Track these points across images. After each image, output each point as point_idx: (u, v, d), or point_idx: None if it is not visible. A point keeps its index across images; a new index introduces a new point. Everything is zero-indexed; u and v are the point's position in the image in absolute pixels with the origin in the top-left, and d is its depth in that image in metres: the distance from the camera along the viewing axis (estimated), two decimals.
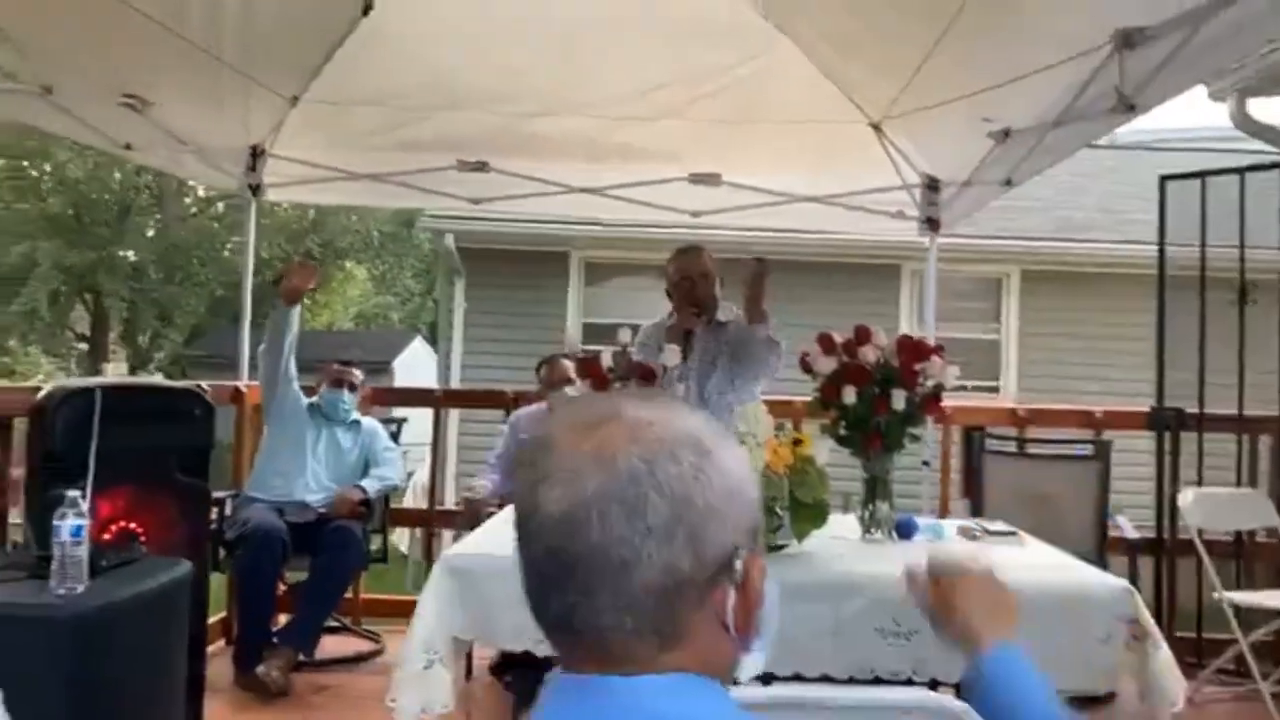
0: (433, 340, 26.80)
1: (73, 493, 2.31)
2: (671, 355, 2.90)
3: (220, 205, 21.10)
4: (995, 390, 9.52)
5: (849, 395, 3.00)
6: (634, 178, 4.68)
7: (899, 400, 2.99)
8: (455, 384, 9.39)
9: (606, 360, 2.99)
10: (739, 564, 0.79)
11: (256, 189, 4.80)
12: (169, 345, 19.84)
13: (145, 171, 18.43)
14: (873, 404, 3.01)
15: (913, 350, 3.02)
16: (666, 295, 3.67)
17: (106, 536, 2.91)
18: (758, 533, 0.85)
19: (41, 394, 2.89)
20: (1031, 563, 2.86)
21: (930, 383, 3.06)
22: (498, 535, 2.94)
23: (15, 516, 3.24)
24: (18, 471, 3.16)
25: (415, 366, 21.80)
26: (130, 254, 19.74)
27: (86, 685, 2.26)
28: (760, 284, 3.31)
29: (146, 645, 2.50)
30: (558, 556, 0.77)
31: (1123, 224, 9.77)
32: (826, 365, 3.10)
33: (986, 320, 9.83)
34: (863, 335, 3.12)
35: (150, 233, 20.33)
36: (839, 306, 8.00)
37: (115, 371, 19.23)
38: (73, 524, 2.26)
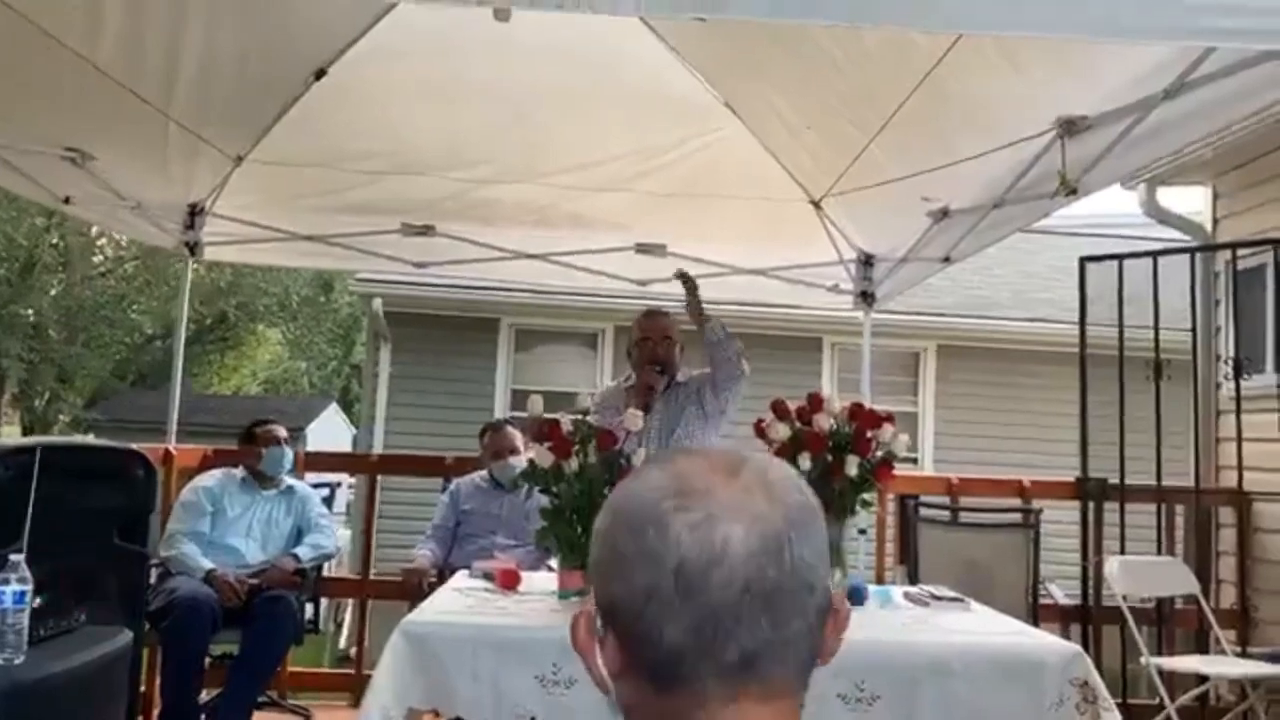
0: (346, 406, 26.27)
1: (16, 556, 2.20)
2: (634, 420, 2.92)
3: (129, 266, 20.52)
4: (914, 461, 9.75)
5: (804, 462, 3.05)
6: (582, 245, 4.74)
7: (853, 467, 3.06)
8: (379, 451, 9.19)
9: (567, 425, 2.99)
10: (834, 597, 0.84)
11: (194, 248, 4.71)
12: (68, 408, 18.99)
13: (53, 229, 17.85)
14: (827, 471, 3.07)
15: (866, 418, 3.10)
16: (626, 355, 3.77)
17: (37, 603, 2.76)
18: None
19: None
20: (980, 628, 2.93)
21: (882, 450, 3.15)
22: (453, 602, 2.90)
23: None
24: None
25: (329, 433, 21.31)
26: (30, 312, 18.97)
27: None
28: (694, 293, 3.60)
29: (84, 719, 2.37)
30: (754, 588, 0.76)
31: (1031, 303, 10.25)
32: (781, 431, 3.16)
33: (904, 393, 10.11)
34: (816, 402, 3.19)
35: (53, 291, 19.58)
36: (762, 377, 8.14)
37: (8, 434, 18.29)
38: (15, 590, 2.16)
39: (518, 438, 4.37)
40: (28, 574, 2.17)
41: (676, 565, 0.76)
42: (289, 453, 4.31)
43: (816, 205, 4.56)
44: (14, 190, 3.88)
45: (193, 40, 3.36)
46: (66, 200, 3.82)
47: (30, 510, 2.60)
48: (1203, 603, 4.51)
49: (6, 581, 2.14)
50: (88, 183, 3.82)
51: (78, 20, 2.95)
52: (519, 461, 4.24)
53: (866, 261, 4.83)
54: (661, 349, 3.64)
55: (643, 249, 4.76)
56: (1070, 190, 2.72)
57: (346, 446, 20.89)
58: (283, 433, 4.36)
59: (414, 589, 4.04)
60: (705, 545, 0.76)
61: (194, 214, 4.63)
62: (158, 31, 3.24)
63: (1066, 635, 4.49)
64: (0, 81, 3.08)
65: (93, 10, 2.95)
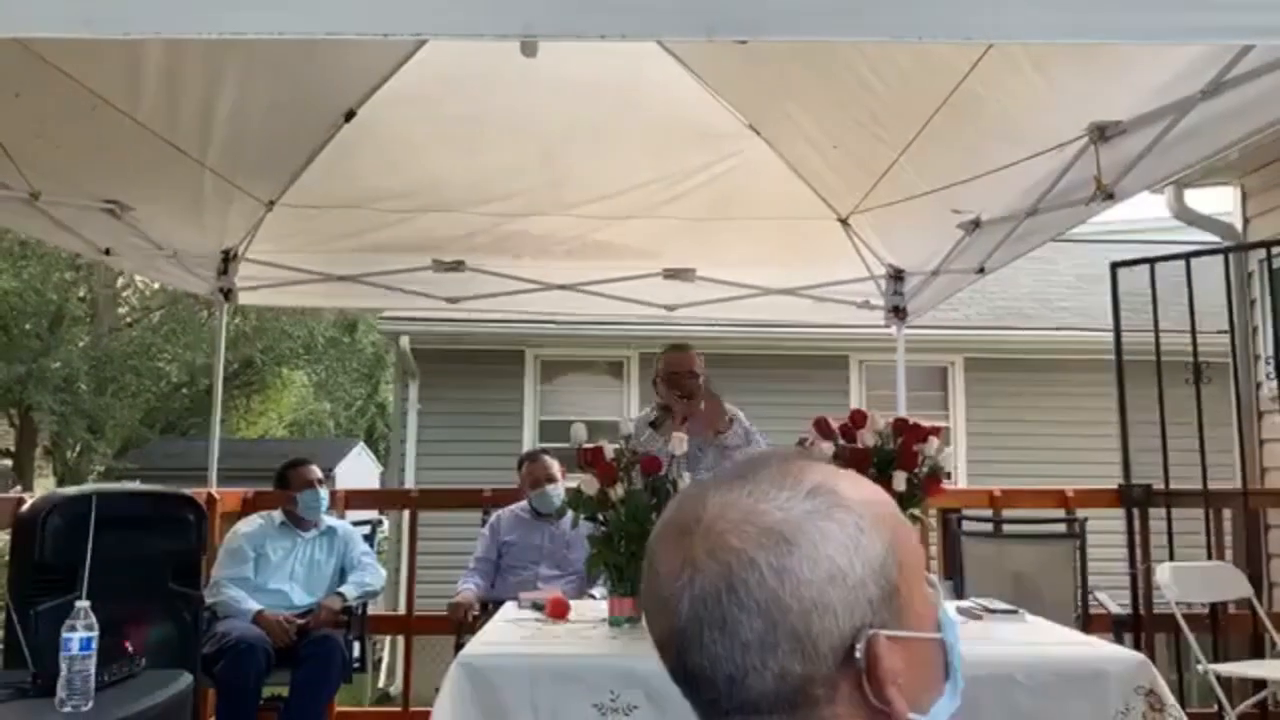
0: (371, 445, 26.34)
1: (81, 603, 2.22)
2: (679, 444, 2.92)
3: (155, 315, 20.75)
4: (948, 475, 9.66)
5: None
6: (611, 274, 4.76)
7: (900, 482, 3.04)
8: (410, 486, 9.21)
9: (609, 452, 3.00)
10: (859, 651, 0.74)
11: (229, 293, 4.77)
12: (100, 459, 19.14)
13: (80, 282, 18.09)
14: None
15: (911, 432, 3.09)
16: (652, 384, 3.83)
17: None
18: (891, 598, 0.77)
19: (30, 503, 2.79)
20: (1039, 639, 2.89)
21: (928, 464, 3.13)
22: (507, 634, 2.89)
23: None
24: None
25: (356, 473, 21.38)
26: (57, 365, 19.18)
27: None
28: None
29: None
30: (677, 670, 0.78)
31: (1057, 312, 10.21)
32: (825, 450, 3.15)
33: (935, 408, 10.05)
34: (858, 419, 3.19)
35: (82, 342, 19.81)
36: (791, 398, 8.17)
37: (44, 488, 18.44)
38: (83, 636, 2.17)
39: (555, 466, 4.38)
40: (94, 620, 2.19)
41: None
42: (324, 494, 4.33)
43: (844, 222, 4.57)
44: (56, 243, 3.95)
45: (227, 90, 3.42)
46: (107, 251, 3.88)
47: (88, 557, 2.63)
48: (1257, 606, 4.44)
49: (73, 629, 2.16)
50: (126, 233, 3.89)
51: (119, 78, 3.02)
52: (557, 489, 4.25)
53: (897, 276, 4.83)
54: (686, 381, 3.76)
55: (671, 274, 4.78)
56: (1107, 195, 2.71)
57: (375, 485, 20.94)
58: (317, 474, 4.37)
59: (460, 623, 4.05)
60: (647, 614, 0.81)
61: (228, 260, 4.70)
62: (194, 84, 3.31)
63: (1121, 644, 4.43)
64: (44, 138, 3.15)
65: (133, 68, 3.01)
